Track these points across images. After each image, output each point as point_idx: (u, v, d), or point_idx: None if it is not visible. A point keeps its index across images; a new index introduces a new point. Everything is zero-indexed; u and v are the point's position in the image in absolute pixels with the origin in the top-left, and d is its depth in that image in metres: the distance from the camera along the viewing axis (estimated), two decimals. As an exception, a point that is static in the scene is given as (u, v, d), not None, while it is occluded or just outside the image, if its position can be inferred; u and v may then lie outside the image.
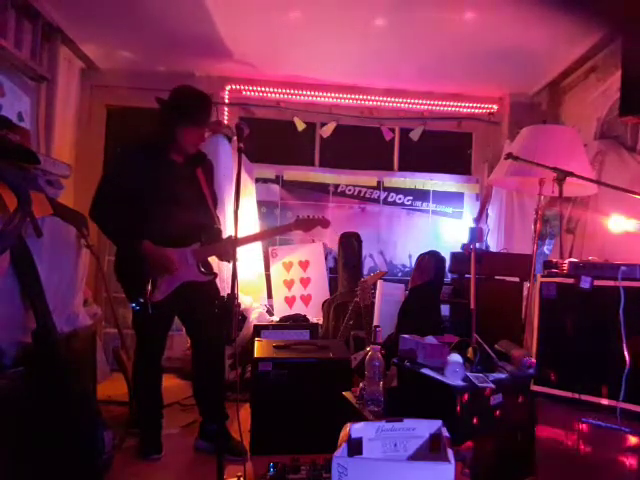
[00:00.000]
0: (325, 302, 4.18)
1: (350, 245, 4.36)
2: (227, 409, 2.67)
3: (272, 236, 3.41)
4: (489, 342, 2.17)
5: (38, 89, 3.79)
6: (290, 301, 4.55)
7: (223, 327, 2.06)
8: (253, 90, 4.72)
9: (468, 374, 1.90)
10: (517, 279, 3.27)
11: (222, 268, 3.51)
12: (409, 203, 4.98)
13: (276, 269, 4.62)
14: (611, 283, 1.91)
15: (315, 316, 4.29)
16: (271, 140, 4.83)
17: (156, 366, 2.70)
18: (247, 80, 4.67)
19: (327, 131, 4.90)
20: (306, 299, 4.56)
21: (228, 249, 2.53)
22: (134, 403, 2.79)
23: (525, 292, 3.11)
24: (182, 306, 2.63)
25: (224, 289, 3.06)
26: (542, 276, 2.14)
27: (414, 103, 4.86)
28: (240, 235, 2.28)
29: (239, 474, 2.14)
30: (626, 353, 1.82)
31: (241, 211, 2.22)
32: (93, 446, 2.06)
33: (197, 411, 2.94)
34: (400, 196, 4.97)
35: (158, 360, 2.70)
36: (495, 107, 4.91)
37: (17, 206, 2.03)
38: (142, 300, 2.47)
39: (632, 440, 1.79)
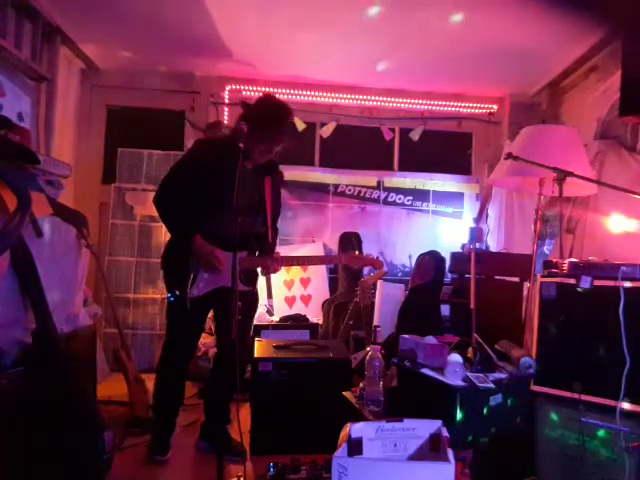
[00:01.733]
0: (325, 302, 4.18)
1: (350, 245, 4.36)
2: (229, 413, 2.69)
3: (318, 263, 3.38)
4: (489, 342, 2.17)
5: (38, 89, 3.79)
6: (290, 301, 4.55)
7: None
8: (253, 90, 4.71)
9: (468, 374, 1.90)
10: (517, 279, 3.27)
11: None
12: (409, 203, 4.98)
13: (276, 269, 4.61)
14: (611, 283, 1.91)
15: (315, 316, 4.29)
16: (271, 140, 4.82)
17: (183, 366, 2.66)
18: (247, 80, 4.67)
19: (327, 131, 4.90)
20: (306, 299, 4.56)
21: (272, 264, 2.54)
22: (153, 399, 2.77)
23: (525, 292, 3.10)
24: (217, 308, 2.64)
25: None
26: (542, 276, 2.15)
27: (414, 103, 4.86)
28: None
29: (239, 474, 2.14)
30: (626, 353, 1.82)
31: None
32: (93, 446, 2.06)
33: (197, 411, 2.94)
34: (400, 196, 4.97)
35: (187, 360, 2.67)
36: (495, 107, 4.91)
37: (17, 206, 2.03)
38: (178, 293, 2.46)
39: (632, 440, 1.79)
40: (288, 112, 2.54)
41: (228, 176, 2.48)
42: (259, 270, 2.68)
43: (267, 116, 2.46)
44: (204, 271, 2.48)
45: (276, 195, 2.69)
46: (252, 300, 2.70)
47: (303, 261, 3.12)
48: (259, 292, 4.41)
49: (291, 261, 2.75)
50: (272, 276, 4.56)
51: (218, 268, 2.46)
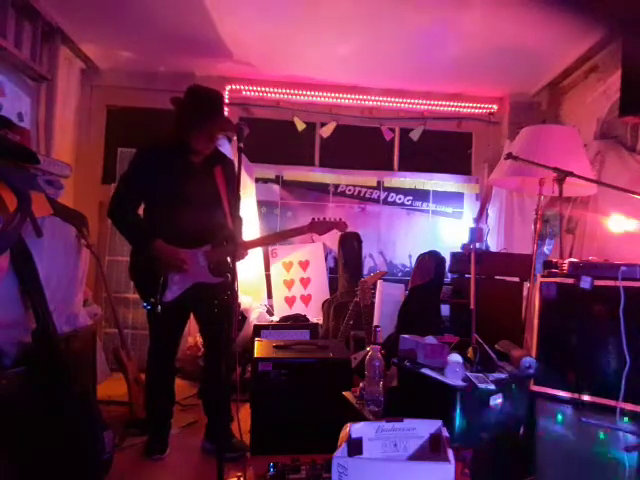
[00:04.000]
0: (325, 302, 4.18)
1: (350, 245, 4.36)
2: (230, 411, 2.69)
3: (285, 239, 3.24)
4: (489, 342, 2.17)
5: (38, 89, 3.79)
6: (290, 301, 4.55)
7: (229, 328, 2.06)
8: (253, 90, 4.72)
9: (468, 374, 1.90)
10: (517, 279, 3.27)
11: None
12: (409, 203, 4.98)
13: (276, 269, 4.62)
14: (611, 283, 1.91)
15: (315, 316, 4.29)
16: (271, 140, 4.83)
17: (168, 366, 2.70)
18: (247, 80, 4.67)
19: (327, 131, 4.90)
20: (306, 299, 4.56)
21: (240, 251, 2.53)
22: (145, 401, 2.79)
23: (525, 292, 3.10)
24: (195, 307, 2.64)
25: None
26: (542, 276, 2.15)
27: (414, 103, 4.86)
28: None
29: (239, 474, 2.14)
30: (626, 353, 1.82)
31: (241, 211, 2.23)
32: (93, 446, 2.06)
33: (197, 411, 2.94)
34: (400, 196, 4.97)
35: (170, 360, 2.70)
36: (495, 107, 4.91)
37: (17, 206, 2.03)
38: (153, 300, 2.47)
39: (632, 440, 1.79)
40: (217, 96, 2.54)
41: (175, 176, 2.50)
42: (229, 260, 2.67)
43: (197, 105, 2.48)
44: (173, 274, 2.49)
45: (230, 183, 2.62)
46: (227, 291, 2.67)
47: (270, 240, 3.02)
48: (259, 292, 4.47)
49: (260, 242, 2.70)
50: (272, 276, 4.60)
51: (183, 268, 2.47)
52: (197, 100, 2.51)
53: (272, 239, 3.15)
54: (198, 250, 2.54)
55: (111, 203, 2.55)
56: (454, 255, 3.43)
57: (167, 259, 2.45)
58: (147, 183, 2.50)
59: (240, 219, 2.74)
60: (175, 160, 2.54)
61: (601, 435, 1.87)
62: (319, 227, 2.70)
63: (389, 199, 4.97)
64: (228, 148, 4.31)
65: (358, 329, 3.39)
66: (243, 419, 2.46)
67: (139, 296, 2.60)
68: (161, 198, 2.50)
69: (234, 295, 2.03)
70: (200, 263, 2.53)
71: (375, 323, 3.45)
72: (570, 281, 2.02)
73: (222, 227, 2.59)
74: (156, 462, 2.55)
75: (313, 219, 2.71)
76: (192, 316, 2.75)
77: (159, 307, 2.46)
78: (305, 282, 4.59)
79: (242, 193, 2.70)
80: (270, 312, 4.41)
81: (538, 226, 2.75)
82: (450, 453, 1.41)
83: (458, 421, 1.80)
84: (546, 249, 3.91)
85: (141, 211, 2.65)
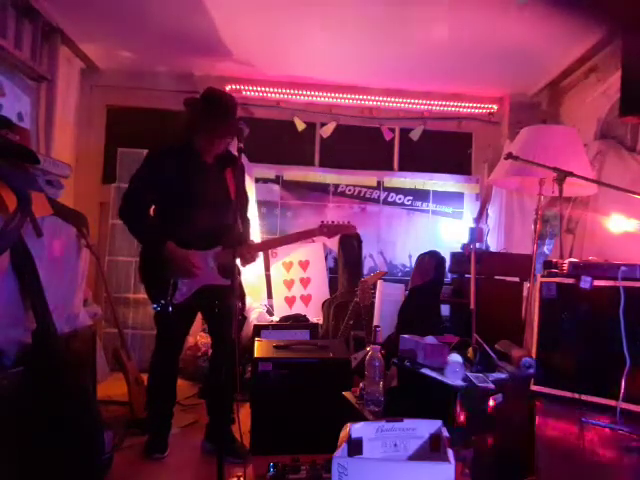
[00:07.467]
0: (325, 302, 4.18)
1: (350, 245, 4.36)
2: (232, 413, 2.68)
3: (294, 241, 3.23)
4: (489, 342, 2.17)
5: (38, 89, 3.79)
6: (290, 301, 4.55)
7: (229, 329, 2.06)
8: (253, 90, 4.71)
9: (468, 374, 1.90)
10: (517, 279, 3.27)
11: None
12: (409, 203, 4.98)
13: (276, 269, 4.62)
14: (611, 283, 1.91)
15: (315, 316, 4.29)
16: (271, 140, 4.83)
17: (172, 366, 2.71)
18: (247, 80, 4.67)
19: (327, 131, 4.90)
20: (306, 299, 4.56)
21: (250, 253, 2.53)
22: (146, 400, 2.79)
23: (525, 292, 3.10)
24: (204, 307, 2.65)
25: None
26: (542, 276, 2.15)
27: (414, 103, 4.85)
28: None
29: (239, 474, 2.14)
30: (626, 353, 1.82)
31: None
32: (93, 446, 2.06)
33: (197, 411, 2.94)
34: (400, 196, 4.97)
35: (175, 360, 2.71)
36: (495, 107, 4.91)
37: (17, 206, 2.03)
38: (163, 302, 2.48)
39: (632, 440, 1.79)
40: (231, 102, 2.56)
41: (188, 176, 2.51)
42: (238, 262, 2.64)
43: (211, 110, 2.48)
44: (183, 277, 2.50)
45: (240, 186, 2.66)
46: (237, 294, 2.68)
47: (279, 242, 2.98)
48: (259, 292, 4.47)
49: (267, 245, 2.67)
50: (272, 276, 4.60)
51: (194, 273, 2.47)
52: (211, 105, 2.50)
53: (281, 242, 3.09)
54: (208, 252, 2.53)
55: (123, 202, 2.53)
56: (454, 255, 3.43)
57: (179, 263, 2.45)
58: (161, 183, 2.49)
59: (248, 221, 2.75)
60: (188, 160, 2.54)
61: (601, 435, 1.87)
62: (328, 230, 2.68)
63: (389, 199, 4.97)
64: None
65: (358, 329, 3.39)
66: (243, 419, 2.46)
67: (149, 297, 2.59)
68: (174, 198, 2.50)
69: (234, 293, 2.02)
70: (209, 265, 2.53)
71: (375, 323, 3.45)
72: (570, 281, 2.02)
73: (232, 228, 2.57)
74: (156, 462, 2.55)
75: (322, 222, 2.69)
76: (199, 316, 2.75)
77: (170, 308, 2.46)
78: (305, 282, 4.59)
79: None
80: (270, 312, 4.41)
81: (538, 226, 2.75)
82: (450, 453, 1.41)
83: (458, 421, 1.80)
84: (546, 249, 3.91)
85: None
